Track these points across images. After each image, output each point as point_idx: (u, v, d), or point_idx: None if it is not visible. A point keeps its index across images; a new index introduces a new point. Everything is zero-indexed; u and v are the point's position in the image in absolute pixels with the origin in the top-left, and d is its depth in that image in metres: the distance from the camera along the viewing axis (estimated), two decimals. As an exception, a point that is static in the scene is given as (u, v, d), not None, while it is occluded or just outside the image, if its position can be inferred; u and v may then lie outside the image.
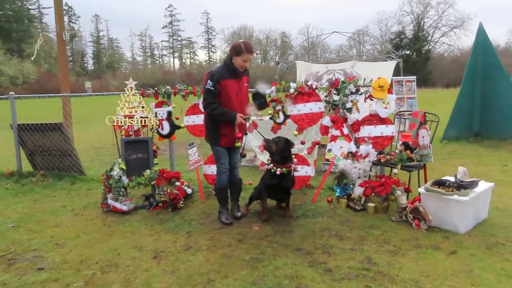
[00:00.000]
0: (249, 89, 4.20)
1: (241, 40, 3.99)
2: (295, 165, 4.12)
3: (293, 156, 4.10)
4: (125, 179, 4.48)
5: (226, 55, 3.98)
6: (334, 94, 4.68)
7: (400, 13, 54.07)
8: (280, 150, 3.91)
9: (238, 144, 3.92)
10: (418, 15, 52.37)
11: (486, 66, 8.33)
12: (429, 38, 52.70)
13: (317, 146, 5.48)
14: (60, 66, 6.79)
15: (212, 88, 3.71)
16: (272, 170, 3.90)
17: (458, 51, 50.10)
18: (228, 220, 3.93)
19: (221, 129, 3.88)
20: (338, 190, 4.52)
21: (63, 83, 6.62)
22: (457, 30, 51.74)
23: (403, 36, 51.77)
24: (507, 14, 77.09)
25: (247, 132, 4.29)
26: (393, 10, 63.78)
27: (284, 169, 3.86)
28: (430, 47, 52.44)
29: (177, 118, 5.22)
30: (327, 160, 4.74)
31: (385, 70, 7.97)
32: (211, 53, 70.34)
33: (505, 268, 2.85)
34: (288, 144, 3.94)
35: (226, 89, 3.76)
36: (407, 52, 49.05)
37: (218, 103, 3.76)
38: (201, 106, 5.05)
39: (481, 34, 8.46)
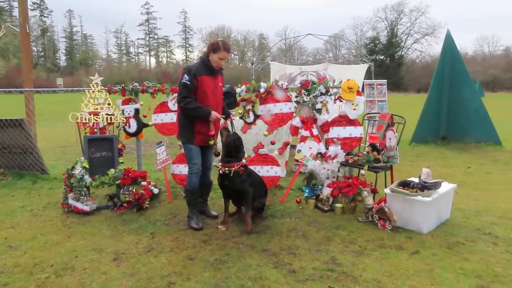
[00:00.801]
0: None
1: (219, 38, 3.89)
2: (262, 166, 4.03)
3: (244, 158, 3.80)
4: (87, 178, 4.30)
5: (203, 53, 3.87)
6: (304, 94, 4.68)
7: (375, 19, 55.45)
8: (227, 144, 3.69)
9: (212, 142, 3.77)
10: (392, 22, 53.84)
11: (453, 72, 8.61)
12: (402, 44, 54.25)
13: (288, 146, 5.47)
14: (23, 59, 6.47)
15: (188, 82, 3.58)
16: (218, 168, 3.75)
17: (429, 58, 51.83)
18: (198, 225, 3.74)
19: (195, 126, 3.73)
20: (306, 191, 4.52)
21: (26, 77, 6.32)
22: (428, 37, 53.58)
23: (377, 42, 53.07)
24: (475, 24, 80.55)
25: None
26: (368, 16, 65.12)
27: (226, 168, 3.64)
28: (402, 53, 53.98)
29: (144, 116, 5.08)
30: (297, 160, 4.74)
31: (357, 73, 8.11)
32: (188, 53, 69.65)
33: (464, 267, 2.91)
34: (236, 143, 3.70)
35: (202, 85, 3.65)
36: (381, 57, 50.32)
37: (193, 98, 3.63)
38: (170, 104, 4.97)
39: (449, 41, 8.74)
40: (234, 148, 3.69)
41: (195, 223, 3.77)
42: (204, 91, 3.67)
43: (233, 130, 3.97)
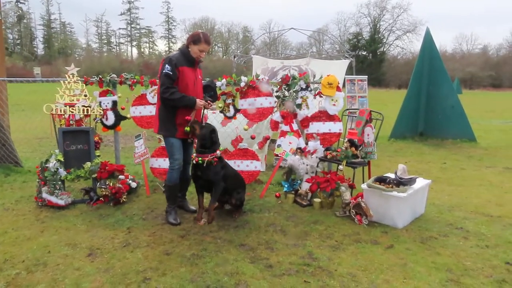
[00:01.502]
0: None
1: (200, 31, 3.83)
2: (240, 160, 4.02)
3: (218, 150, 3.79)
4: (62, 172, 4.20)
5: (183, 44, 3.81)
6: (285, 89, 4.68)
7: (358, 15, 55.92)
8: (202, 137, 3.67)
9: (187, 128, 3.67)
10: (375, 18, 54.46)
11: (431, 70, 8.79)
12: (384, 41, 54.99)
13: (268, 141, 5.47)
14: (-5, 48, 6.22)
15: (171, 73, 3.51)
16: (192, 158, 3.75)
17: (410, 54, 52.80)
18: (176, 220, 3.71)
19: (177, 118, 3.67)
20: (286, 186, 4.54)
21: (-1, 66, 6.08)
22: (409, 34, 54.45)
23: (360, 37, 53.60)
24: (455, 22, 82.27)
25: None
26: (352, 11, 65.61)
27: (199, 158, 3.64)
28: (385, 49, 54.79)
29: (122, 109, 4.98)
30: (277, 155, 4.75)
31: (338, 68, 8.16)
32: (171, 44, 68.55)
33: (436, 261, 2.99)
34: (212, 133, 3.70)
35: (183, 76, 3.59)
36: (364, 53, 50.86)
37: (177, 88, 3.56)
38: (149, 97, 4.88)
39: (428, 39, 8.90)
40: (209, 139, 3.69)
41: (173, 219, 3.74)
42: (186, 83, 3.62)
43: (204, 121, 3.94)
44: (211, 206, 3.77)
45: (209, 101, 3.86)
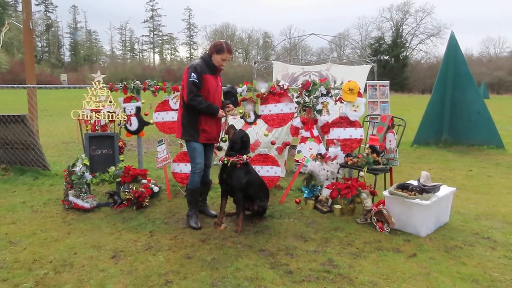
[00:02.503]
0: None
1: (222, 40, 3.92)
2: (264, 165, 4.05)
3: (247, 156, 3.86)
4: (88, 176, 4.33)
5: (204, 52, 3.92)
6: (305, 95, 4.68)
7: (380, 19, 55.34)
8: (233, 140, 3.82)
9: (225, 139, 3.93)
10: (397, 22, 53.62)
11: (456, 74, 8.57)
12: (407, 45, 54.04)
13: (288, 146, 5.47)
14: (26, 55, 6.50)
15: (197, 81, 3.62)
16: (221, 161, 3.84)
17: (434, 59, 51.60)
18: (197, 224, 3.76)
19: (200, 124, 3.76)
20: (306, 192, 4.53)
21: (29, 73, 6.35)
22: (433, 38, 53.31)
23: (382, 42, 52.87)
24: (481, 25, 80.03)
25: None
26: (373, 15, 64.87)
27: (225, 159, 3.77)
28: (407, 54, 53.78)
29: (146, 114, 5.09)
30: (297, 161, 4.74)
31: (359, 73, 8.07)
32: (192, 50, 69.69)
33: (461, 271, 2.91)
34: (243, 138, 3.84)
35: (206, 84, 3.70)
36: (386, 58, 50.12)
37: (203, 96, 3.67)
38: (171, 103, 4.98)
39: (453, 43, 8.70)
40: (241, 143, 3.80)
41: (194, 223, 3.79)
42: (208, 90, 3.72)
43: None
44: (239, 217, 3.79)
45: (228, 106, 3.94)
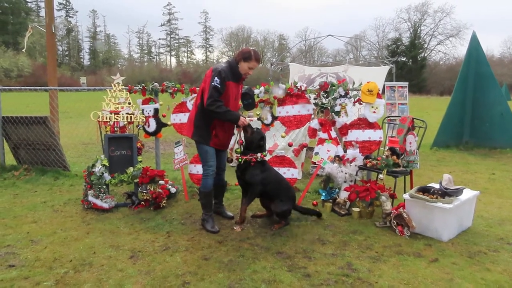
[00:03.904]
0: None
1: (251, 48, 3.82)
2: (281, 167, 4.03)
3: (262, 154, 3.84)
4: (107, 176, 4.39)
5: (233, 53, 3.88)
6: (323, 96, 4.63)
7: (397, 20, 54.59)
8: (250, 139, 3.80)
9: (238, 150, 3.87)
10: (415, 23, 52.76)
11: (478, 75, 8.36)
12: (425, 46, 53.10)
13: (305, 148, 5.43)
14: (48, 59, 6.67)
15: (219, 86, 3.51)
16: (237, 160, 3.84)
17: (454, 60, 50.54)
18: (214, 228, 3.69)
19: (214, 130, 3.71)
20: (323, 194, 4.47)
21: (51, 76, 6.51)
22: (453, 38, 52.26)
23: (399, 43, 52.12)
24: (502, 25, 78.06)
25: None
26: (390, 16, 63.87)
27: (240, 157, 3.79)
28: (426, 55, 52.85)
29: (164, 116, 5.14)
30: (314, 163, 4.69)
31: (377, 75, 7.94)
32: (208, 53, 70.31)
33: (486, 277, 2.81)
34: (260, 140, 3.82)
35: (227, 91, 3.60)
36: (403, 59, 49.36)
37: (223, 102, 3.56)
38: (188, 104, 5.01)
39: (474, 43, 8.50)
40: (256, 144, 3.79)
41: (211, 227, 3.72)
42: (228, 97, 3.64)
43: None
44: (242, 208, 3.82)
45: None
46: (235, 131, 3.96)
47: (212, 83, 3.51)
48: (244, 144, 3.87)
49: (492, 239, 3.51)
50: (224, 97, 3.59)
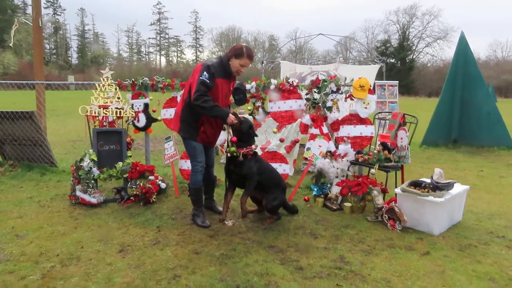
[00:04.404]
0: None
1: (243, 44, 3.66)
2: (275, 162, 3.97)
3: (253, 146, 3.71)
4: (95, 171, 4.30)
5: (223, 53, 3.67)
6: (315, 92, 4.62)
7: (386, 22, 55.19)
8: (240, 130, 3.62)
9: (233, 149, 3.61)
10: (404, 25, 53.37)
11: (466, 75, 8.47)
12: (414, 48, 53.75)
13: (298, 145, 5.41)
14: (35, 53, 6.53)
15: (208, 81, 3.38)
16: (226, 152, 3.71)
17: (441, 62, 51.26)
18: (205, 223, 3.64)
19: (201, 125, 3.62)
20: (315, 189, 4.46)
21: (37, 71, 6.37)
22: (440, 41, 52.98)
23: (388, 45, 52.67)
24: (488, 28, 79.53)
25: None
26: (380, 18, 64.71)
27: (235, 150, 3.61)
28: (414, 57, 53.49)
29: (154, 111, 5.06)
30: (306, 158, 4.68)
31: (368, 73, 7.99)
32: (198, 53, 69.97)
33: (477, 269, 2.83)
34: (250, 129, 3.69)
35: (217, 88, 3.49)
36: (392, 61, 49.90)
37: (211, 97, 3.43)
38: (179, 99, 4.94)
39: (462, 43, 8.61)
40: (247, 134, 3.66)
41: (201, 221, 3.67)
42: (217, 94, 3.53)
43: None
44: (243, 200, 3.63)
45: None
46: (225, 126, 3.84)
47: (200, 78, 3.39)
48: (234, 135, 3.70)
49: (482, 233, 3.54)
50: (213, 94, 3.47)
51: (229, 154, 3.68)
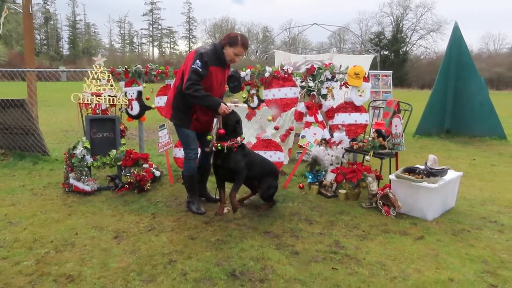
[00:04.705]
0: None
1: (239, 32, 3.56)
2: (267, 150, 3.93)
3: (238, 138, 3.53)
4: (89, 159, 4.26)
5: (218, 40, 3.56)
6: (310, 80, 4.61)
7: (380, 14, 55.13)
8: (227, 123, 3.47)
9: (210, 137, 3.52)
10: (398, 17, 53.39)
11: (459, 65, 8.51)
12: (407, 40, 53.85)
13: (293, 134, 5.41)
14: (25, 40, 6.41)
15: (200, 70, 3.29)
16: (212, 146, 3.52)
17: (434, 54, 51.46)
18: (200, 210, 3.61)
19: (194, 112, 3.54)
20: (310, 177, 4.47)
21: (28, 58, 6.26)
22: (434, 33, 53.13)
23: (382, 37, 52.69)
24: (481, 21, 79.85)
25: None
26: (373, 10, 64.58)
27: (218, 144, 3.43)
28: (407, 49, 53.61)
29: (147, 99, 5.01)
30: (301, 146, 4.68)
31: (362, 63, 7.99)
32: (191, 44, 69.33)
33: (470, 253, 2.86)
34: (236, 123, 3.51)
35: (211, 76, 3.40)
36: (386, 53, 49.96)
37: (202, 86, 3.34)
38: (172, 86, 4.90)
39: (456, 34, 8.62)
40: (232, 127, 3.50)
41: (196, 208, 3.64)
42: (211, 83, 3.44)
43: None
44: (232, 196, 3.52)
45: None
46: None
47: (193, 66, 3.30)
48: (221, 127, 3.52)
49: (475, 218, 3.58)
50: (206, 83, 3.39)
51: (214, 148, 3.50)
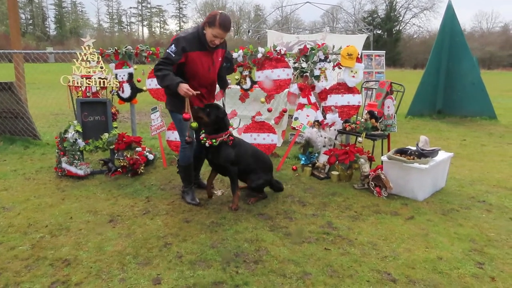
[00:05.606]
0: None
1: (220, 11, 3.20)
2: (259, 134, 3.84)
3: (229, 126, 3.38)
4: (81, 142, 4.22)
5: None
6: (303, 61, 4.57)
7: (373, -8, 54.08)
8: (212, 122, 3.24)
9: (194, 124, 3.10)
10: (391, -5, 52.62)
11: (452, 45, 8.49)
12: (400, 19, 53.37)
13: (287, 115, 5.40)
14: (10, 21, 6.22)
15: (173, 55, 3.10)
16: (202, 141, 3.30)
17: (427, 33, 51.20)
18: (194, 200, 3.46)
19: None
20: (303, 159, 4.50)
21: (14, 39, 6.09)
22: (427, 12, 52.72)
23: (375, 15, 52.12)
24: (475, 1, 79.16)
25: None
26: (367, -12, 63.46)
27: (213, 140, 3.24)
28: (400, 28, 53.20)
29: (138, 81, 4.95)
30: (294, 128, 4.69)
31: (355, 42, 7.93)
32: (182, 23, 67.96)
33: (458, 232, 2.94)
34: (221, 112, 3.29)
35: (193, 62, 3.20)
36: (379, 32, 49.56)
37: (169, 68, 3.13)
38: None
39: (449, 13, 8.56)
40: (222, 122, 3.30)
41: (191, 199, 3.50)
42: (195, 69, 3.24)
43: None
44: (235, 196, 3.40)
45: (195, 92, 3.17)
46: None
47: (167, 50, 3.17)
48: (207, 128, 3.32)
49: (464, 198, 3.66)
50: (190, 69, 3.23)
51: (207, 144, 3.27)
